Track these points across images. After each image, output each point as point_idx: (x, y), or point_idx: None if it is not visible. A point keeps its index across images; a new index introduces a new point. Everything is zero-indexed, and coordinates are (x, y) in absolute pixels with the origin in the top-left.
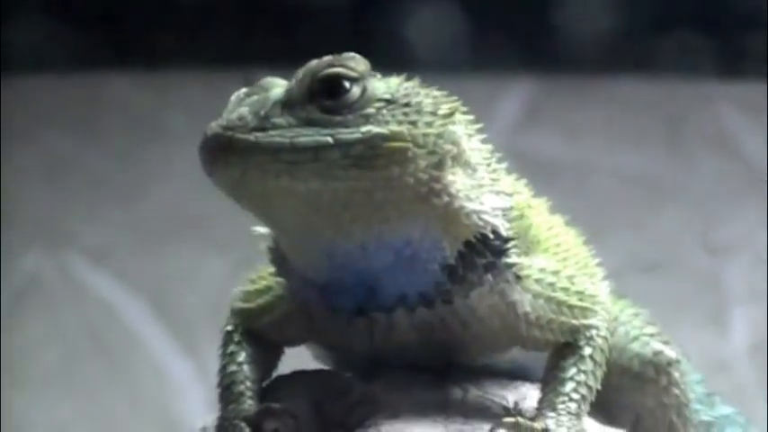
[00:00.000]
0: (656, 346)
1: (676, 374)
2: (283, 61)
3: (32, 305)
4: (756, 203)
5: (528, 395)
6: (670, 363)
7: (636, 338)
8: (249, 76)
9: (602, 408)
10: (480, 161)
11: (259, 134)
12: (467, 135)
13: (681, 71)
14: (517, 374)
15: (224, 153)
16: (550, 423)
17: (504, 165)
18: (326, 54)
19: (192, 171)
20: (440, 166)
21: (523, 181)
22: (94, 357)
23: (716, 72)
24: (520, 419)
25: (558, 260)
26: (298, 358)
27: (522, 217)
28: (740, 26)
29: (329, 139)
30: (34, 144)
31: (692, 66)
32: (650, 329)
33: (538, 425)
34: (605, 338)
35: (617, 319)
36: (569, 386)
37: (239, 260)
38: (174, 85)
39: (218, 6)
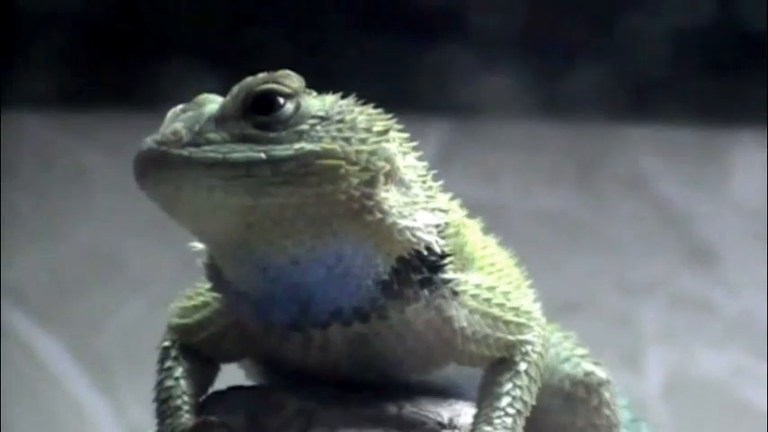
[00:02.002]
0: (587, 366)
1: (607, 395)
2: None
3: None
4: (671, 244)
5: (462, 412)
6: (601, 383)
7: (567, 359)
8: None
9: (532, 429)
10: (415, 178)
11: (192, 149)
12: (401, 152)
13: (594, 113)
14: (451, 393)
15: (157, 168)
16: None
17: (439, 183)
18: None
19: (109, 211)
20: (372, 182)
21: (458, 201)
22: (13, 396)
23: (629, 114)
24: None
25: (493, 278)
26: (234, 375)
27: (458, 234)
28: (654, 68)
29: (262, 155)
30: None
31: (605, 108)
32: (580, 351)
33: None
34: (540, 354)
35: (548, 340)
36: (505, 401)
37: (155, 300)
38: (93, 125)
39: (137, 45)
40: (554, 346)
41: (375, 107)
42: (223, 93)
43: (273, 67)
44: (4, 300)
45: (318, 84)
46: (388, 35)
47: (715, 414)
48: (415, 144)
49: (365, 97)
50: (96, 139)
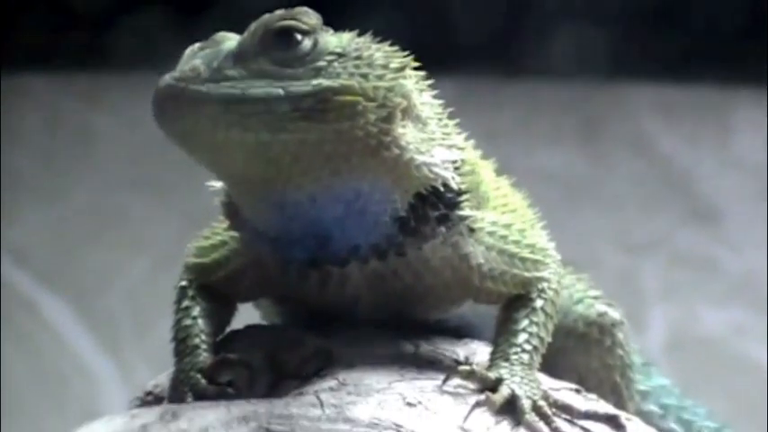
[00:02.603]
0: (601, 307)
1: (620, 335)
2: None
3: None
4: (672, 203)
5: (478, 351)
6: (614, 324)
7: (580, 300)
8: None
9: (546, 369)
10: (431, 115)
11: (211, 85)
12: (418, 90)
13: (597, 73)
14: (467, 333)
15: (175, 104)
16: (504, 372)
17: (455, 121)
18: None
19: (112, 172)
20: (390, 119)
21: (472, 141)
22: (18, 355)
23: (632, 74)
24: (475, 368)
25: (508, 216)
26: (250, 317)
27: (473, 172)
28: (656, 28)
29: (280, 91)
30: None
31: (608, 68)
32: (593, 292)
33: (492, 374)
34: (556, 291)
35: (563, 277)
36: (522, 337)
37: (159, 260)
38: (97, 86)
39: (142, 8)
40: (567, 287)
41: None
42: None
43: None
44: (9, 260)
45: (335, 23)
46: None
47: (717, 370)
48: (431, 82)
49: None
50: (100, 101)
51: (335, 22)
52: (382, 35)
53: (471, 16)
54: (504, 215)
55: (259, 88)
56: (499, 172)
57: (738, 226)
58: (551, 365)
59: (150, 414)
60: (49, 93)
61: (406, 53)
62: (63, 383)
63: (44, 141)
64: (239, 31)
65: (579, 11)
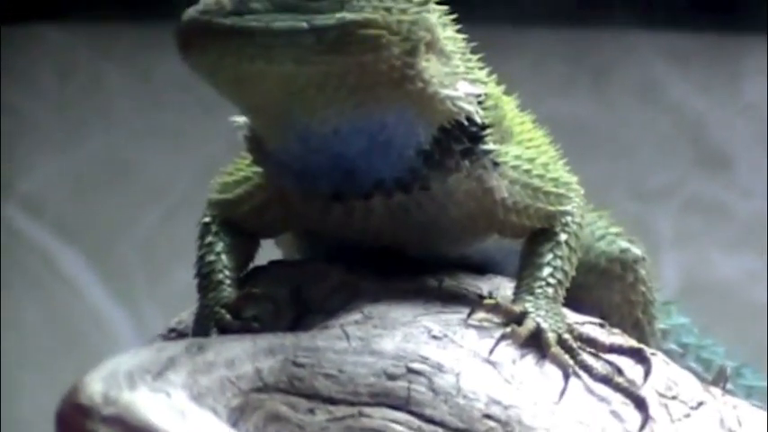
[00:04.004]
0: (623, 243)
1: (643, 272)
2: None
3: None
4: (684, 149)
5: (501, 286)
6: (636, 260)
7: (602, 237)
8: None
9: (568, 306)
10: (455, 50)
11: (235, 18)
12: (441, 24)
13: (606, 22)
14: (490, 269)
15: (200, 37)
16: (529, 306)
17: (477, 56)
18: None
19: (126, 122)
20: (413, 52)
21: (494, 76)
22: (31, 304)
23: (641, 22)
24: (500, 301)
25: (531, 151)
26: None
27: (496, 107)
28: None
29: (304, 24)
30: None
31: (617, 16)
32: (615, 229)
33: (517, 307)
34: (580, 225)
35: (586, 211)
36: (546, 271)
37: (172, 210)
38: (110, 37)
39: None
40: (588, 225)
41: None
42: None
43: None
44: (22, 209)
45: None
46: None
47: (730, 316)
48: (454, 17)
49: None
50: (113, 51)
51: None
52: None
53: None
54: (528, 149)
55: (283, 21)
56: None
57: (750, 172)
58: (573, 302)
59: (176, 347)
60: (63, 42)
61: None
62: (77, 332)
63: (57, 91)
64: None
65: None
